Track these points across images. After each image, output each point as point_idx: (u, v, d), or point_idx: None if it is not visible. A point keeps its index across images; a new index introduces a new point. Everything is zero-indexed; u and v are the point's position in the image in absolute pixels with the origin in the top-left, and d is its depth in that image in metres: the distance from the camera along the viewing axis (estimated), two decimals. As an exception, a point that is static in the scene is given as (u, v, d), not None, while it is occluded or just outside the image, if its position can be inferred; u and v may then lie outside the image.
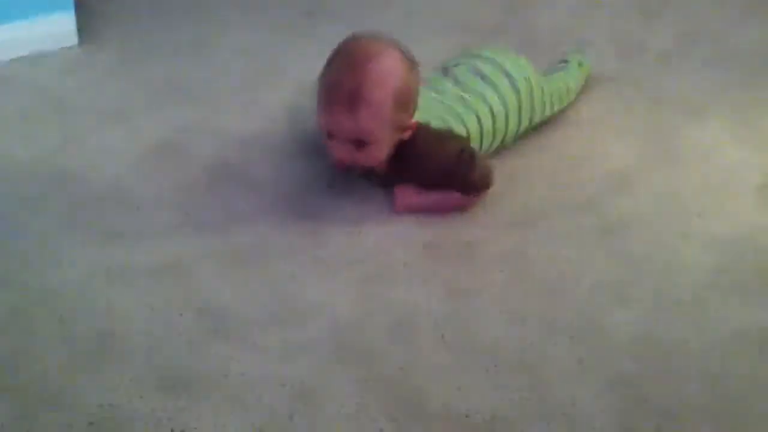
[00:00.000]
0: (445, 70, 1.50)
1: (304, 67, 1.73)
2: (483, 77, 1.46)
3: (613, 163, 1.52)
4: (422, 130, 1.36)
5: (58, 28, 1.73)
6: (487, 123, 1.43)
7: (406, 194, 1.39)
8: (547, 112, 1.55)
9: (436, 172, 1.37)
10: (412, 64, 1.32)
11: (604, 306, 1.25)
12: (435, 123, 1.38)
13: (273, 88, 1.67)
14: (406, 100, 1.31)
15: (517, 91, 1.46)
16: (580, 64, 1.66)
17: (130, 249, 1.32)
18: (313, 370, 1.15)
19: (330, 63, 1.32)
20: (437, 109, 1.41)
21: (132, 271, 1.28)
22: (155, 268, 1.29)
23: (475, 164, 1.38)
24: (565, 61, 1.67)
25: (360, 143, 1.30)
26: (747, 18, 1.95)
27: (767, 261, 1.33)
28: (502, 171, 1.46)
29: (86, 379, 1.12)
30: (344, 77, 1.28)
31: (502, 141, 1.48)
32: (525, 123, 1.50)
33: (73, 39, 1.76)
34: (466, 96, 1.44)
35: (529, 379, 1.14)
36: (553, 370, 1.16)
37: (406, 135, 1.34)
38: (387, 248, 1.33)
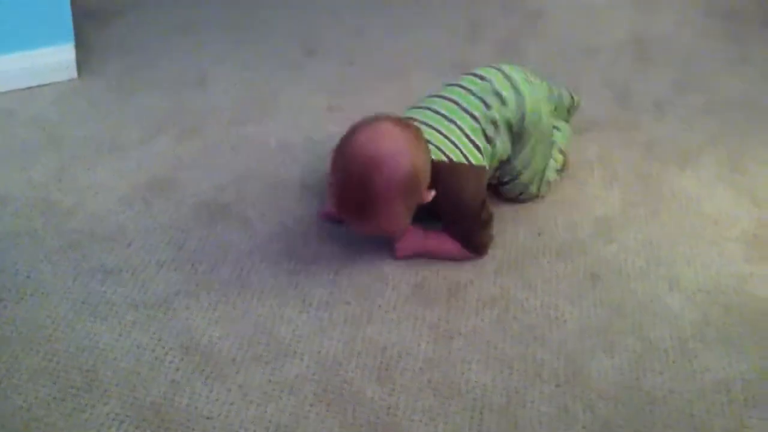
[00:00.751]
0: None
1: (300, 103, 1.75)
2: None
3: (602, 209, 1.53)
4: (441, 168, 1.33)
5: (58, 59, 1.75)
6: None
7: (408, 240, 1.39)
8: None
9: (453, 207, 1.37)
10: (416, 141, 1.29)
11: (590, 353, 1.25)
12: (450, 154, 1.35)
13: (267, 124, 1.69)
14: (416, 185, 1.28)
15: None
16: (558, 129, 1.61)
17: (118, 285, 1.32)
18: (296, 412, 1.14)
19: (336, 164, 1.28)
20: (441, 139, 1.37)
21: (120, 307, 1.28)
22: (143, 305, 1.29)
23: (489, 225, 1.40)
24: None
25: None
26: (738, 68, 1.98)
27: (753, 311, 1.34)
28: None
29: (66, 414, 1.12)
30: (351, 190, 1.26)
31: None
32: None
33: (72, 72, 1.78)
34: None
35: (513, 427, 1.14)
36: (538, 417, 1.16)
37: (426, 200, 1.32)
38: (375, 290, 1.33)
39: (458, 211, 1.37)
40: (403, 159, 1.26)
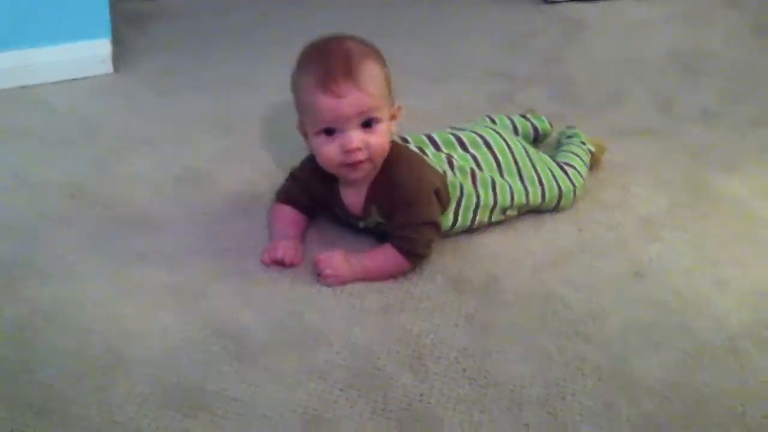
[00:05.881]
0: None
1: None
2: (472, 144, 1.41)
3: (645, 209, 1.48)
4: (400, 149, 1.31)
5: (95, 53, 1.76)
6: (468, 184, 1.34)
7: (335, 262, 1.27)
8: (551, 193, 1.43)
9: (402, 194, 1.27)
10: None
11: (635, 349, 1.19)
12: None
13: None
14: (389, 79, 1.27)
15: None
16: (584, 143, 1.54)
17: (149, 269, 1.29)
18: (326, 396, 1.10)
19: (303, 63, 1.27)
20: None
21: (149, 290, 1.26)
22: (173, 288, 1.26)
23: (435, 227, 1.29)
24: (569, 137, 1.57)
25: (368, 122, 1.24)
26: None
27: (808, 313, 1.27)
28: (530, 215, 1.44)
29: (92, 394, 1.09)
30: (331, 59, 1.23)
31: (490, 212, 1.37)
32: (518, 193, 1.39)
33: (108, 66, 1.78)
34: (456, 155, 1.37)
35: (552, 418, 1.08)
36: (579, 410, 1.09)
37: (394, 127, 1.29)
38: (407, 280, 1.29)
39: (404, 197, 1.27)
40: (375, 51, 1.27)
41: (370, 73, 1.23)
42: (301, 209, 1.37)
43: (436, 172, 1.32)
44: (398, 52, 1.85)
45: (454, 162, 1.35)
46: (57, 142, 1.60)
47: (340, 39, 1.27)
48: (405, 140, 1.37)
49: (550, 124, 1.63)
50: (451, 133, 1.42)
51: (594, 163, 1.54)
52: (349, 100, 1.22)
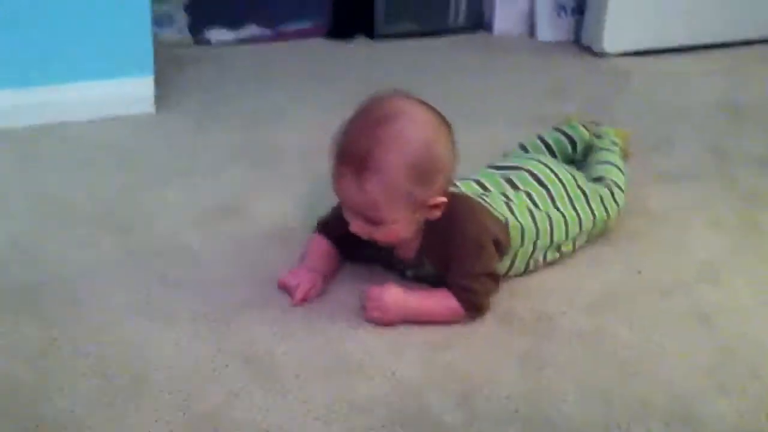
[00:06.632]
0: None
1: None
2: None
3: (703, 253, 1.39)
4: (459, 200, 1.20)
5: (137, 91, 1.73)
6: (528, 221, 1.25)
7: (385, 302, 1.16)
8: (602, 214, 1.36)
9: (460, 245, 1.17)
10: (443, 128, 1.15)
11: (702, 393, 1.09)
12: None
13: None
14: (427, 171, 1.12)
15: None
16: (614, 143, 1.50)
17: (179, 297, 1.23)
18: (367, 432, 1.01)
19: (346, 124, 1.16)
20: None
21: (179, 316, 1.19)
22: (204, 317, 1.19)
23: (495, 279, 1.20)
24: (599, 136, 1.51)
25: (373, 221, 1.14)
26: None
27: None
28: (583, 252, 1.36)
29: (114, 422, 1.01)
30: (355, 140, 1.12)
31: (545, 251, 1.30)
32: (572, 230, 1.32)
33: (150, 106, 1.75)
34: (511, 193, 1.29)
35: (615, 463, 0.99)
36: (645, 455, 1.00)
37: (435, 214, 1.16)
38: (455, 316, 1.21)
39: (465, 248, 1.18)
40: (423, 132, 1.12)
41: (384, 173, 1.10)
42: (339, 246, 1.30)
43: (497, 220, 1.22)
44: (439, 96, 1.79)
45: (513, 206, 1.26)
46: (92, 173, 1.55)
47: (386, 111, 1.13)
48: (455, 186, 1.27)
49: (587, 128, 1.54)
50: (500, 175, 1.34)
51: (624, 157, 1.50)
52: (348, 194, 1.14)
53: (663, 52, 2.20)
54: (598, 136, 1.52)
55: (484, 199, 1.25)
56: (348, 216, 1.18)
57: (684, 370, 1.13)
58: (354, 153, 1.12)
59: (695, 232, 1.45)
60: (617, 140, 1.52)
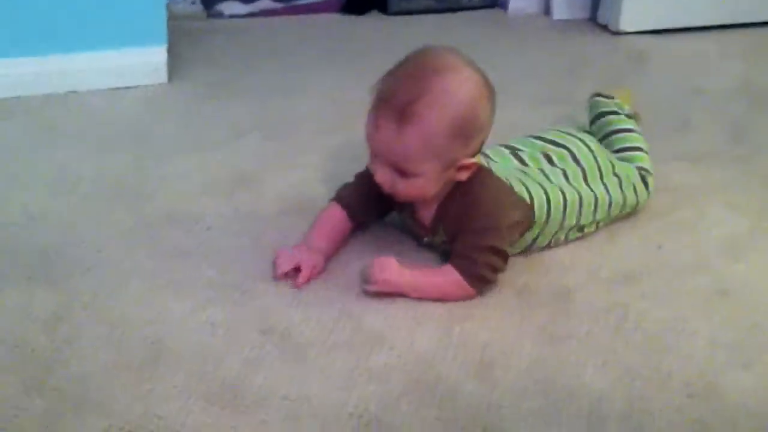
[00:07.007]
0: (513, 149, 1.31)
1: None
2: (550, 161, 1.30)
3: (724, 230, 1.37)
4: (485, 175, 1.17)
5: (149, 61, 1.71)
6: (556, 198, 1.23)
7: (388, 269, 1.14)
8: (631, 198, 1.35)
9: (474, 217, 1.15)
10: (487, 90, 1.14)
11: (725, 367, 1.08)
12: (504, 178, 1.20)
13: (355, 133, 1.60)
14: (468, 130, 1.11)
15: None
16: (629, 116, 1.46)
17: (194, 265, 1.21)
18: (385, 401, 0.99)
19: (391, 71, 1.14)
20: (507, 169, 1.23)
21: (194, 285, 1.17)
22: (219, 285, 1.17)
23: (504, 256, 1.17)
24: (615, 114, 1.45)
25: (401, 171, 1.13)
26: None
27: None
28: (603, 229, 1.34)
29: (132, 388, 1.00)
30: (401, 87, 1.10)
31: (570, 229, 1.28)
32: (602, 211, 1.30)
33: (162, 76, 1.73)
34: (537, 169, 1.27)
35: (637, 435, 0.97)
36: (668, 427, 0.98)
37: (462, 176, 1.15)
38: (473, 288, 1.20)
39: (479, 222, 1.15)
40: (470, 90, 1.11)
41: (426, 125, 1.09)
42: (353, 216, 1.28)
43: (518, 202, 1.19)
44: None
45: (546, 185, 1.23)
46: (104, 143, 1.54)
47: (437, 64, 1.12)
48: (486, 156, 1.24)
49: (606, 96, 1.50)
50: (540, 148, 1.31)
51: (637, 120, 1.48)
52: (384, 143, 1.12)
53: (681, 31, 2.18)
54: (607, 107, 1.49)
55: (519, 177, 1.22)
56: (375, 165, 1.16)
57: (706, 344, 1.12)
58: (399, 99, 1.09)
59: (715, 210, 1.43)
60: (626, 107, 1.48)
